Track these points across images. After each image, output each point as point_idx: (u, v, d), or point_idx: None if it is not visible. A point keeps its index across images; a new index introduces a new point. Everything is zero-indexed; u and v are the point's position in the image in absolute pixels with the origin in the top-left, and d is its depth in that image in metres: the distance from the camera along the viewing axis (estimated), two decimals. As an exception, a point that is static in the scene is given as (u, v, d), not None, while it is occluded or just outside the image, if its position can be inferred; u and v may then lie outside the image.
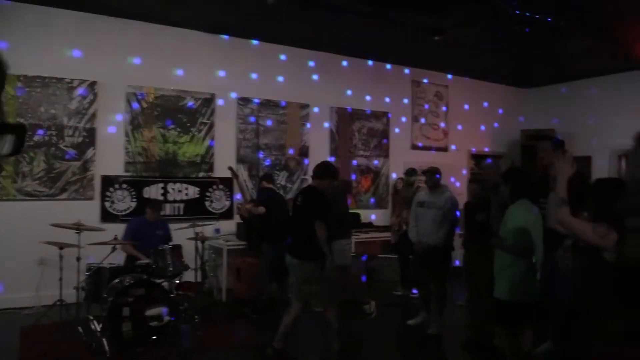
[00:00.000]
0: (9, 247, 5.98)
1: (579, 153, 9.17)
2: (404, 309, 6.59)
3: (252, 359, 4.88)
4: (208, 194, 7.38)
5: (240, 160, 7.59)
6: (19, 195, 6.21)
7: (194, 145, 7.30)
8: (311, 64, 8.29)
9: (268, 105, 7.89)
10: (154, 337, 4.71)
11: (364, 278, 7.35)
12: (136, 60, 6.91)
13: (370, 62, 8.89)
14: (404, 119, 9.37)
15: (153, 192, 6.97)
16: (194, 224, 5.85)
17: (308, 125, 8.25)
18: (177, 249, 5.42)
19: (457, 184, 9.42)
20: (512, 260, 3.97)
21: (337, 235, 6.20)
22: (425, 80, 9.65)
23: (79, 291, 5.08)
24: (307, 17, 6.73)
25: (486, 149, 10.42)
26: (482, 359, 5.00)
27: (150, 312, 4.71)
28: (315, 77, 8.32)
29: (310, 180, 6.55)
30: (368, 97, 8.91)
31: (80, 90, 6.54)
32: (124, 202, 6.78)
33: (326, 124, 8.49)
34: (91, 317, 4.75)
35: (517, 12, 6.12)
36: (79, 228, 5.06)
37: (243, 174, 7.56)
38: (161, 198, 7.00)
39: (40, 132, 6.32)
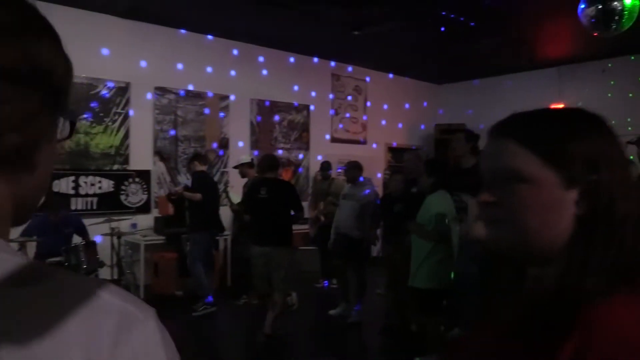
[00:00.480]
0: None
1: (487, 146, 9.70)
2: (325, 299, 6.71)
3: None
4: (123, 187, 7.07)
5: (157, 152, 7.34)
6: None
7: (108, 136, 6.97)
8: (232, 54, 8.15)
9: (187, 95, 7.68)
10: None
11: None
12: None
13: (290, 55, 8.88)
14: (324, 112, 9.46)
15: (63, 185, 6.58)
16: (110, 219, 5.61)
17: (222, 115, 8.12)
18: (92, 245, 5.19)
19: (379, 175, 9.67)
20: (431, 248, 4.15)
21: None
22: (345, 74, 9.79)
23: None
24: (228, 7, 6.61)
25: (403, 143, 10.77)
26: (399, 343, 5.20)
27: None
28: (235, 68, 8.19)
29: (245, 173, 6.52)
30: (288, 90, 8.91)
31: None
32: (30, 196, 6.35)
33: (246, 116, 8.40)
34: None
35: (432, 11, 6.38)
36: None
37: (160, 166, 7.31)
38: (72, 192, 6.62)
39: None
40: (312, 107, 9.26)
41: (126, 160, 7.11)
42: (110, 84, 6.96)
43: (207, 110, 7.87)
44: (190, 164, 6.36)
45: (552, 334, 0.69)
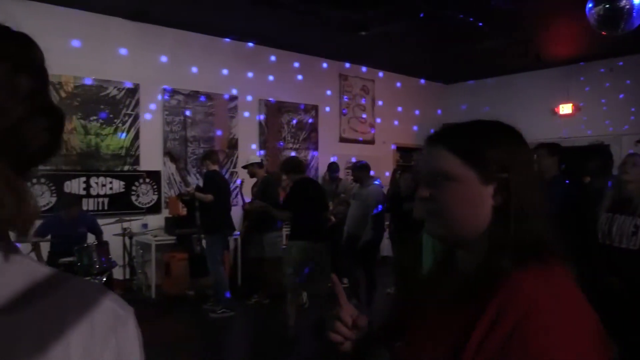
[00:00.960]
0: None
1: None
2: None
3: (183, 354, 4.83)
4: (134, 188, 7.13)
5: (167, 152, 7.39)
6: None
7: (118, 138, 7.02)
8: (240, 55, 8.20)
9: (195, 96, 7.73)
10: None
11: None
12: (52, 47, 6.52)
13: (298, 56, 8.91)
14: (332, 112, 9.49)
15: (75, 186, 6.64)
16: (121, 219, 5.65)
17: (235, 117, 8.16)
18: (104, 245, 5.23)
19: (387, 175, 9.69)
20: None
21: (268, 227, 6.24)
22: (352, 75, 9.82)
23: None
24: (234, 8, 6.65)
25: (412, 143, 10.78)
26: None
27: (77, 311, 4.53)
28: (243, 69, 8.24)
29: (254, 173, 6.58)
30: (297, 90, 8.94)
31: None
32: (43, 197, 6.41)
33: (255, 116, 8.44)
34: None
35: (439, 11, 6.39)
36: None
37: (170, 167, 7.37)
38: (83, 193, 6.68)
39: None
40: (320, 107, 9.29)
41: (136, 161, 7.17)
42: (123, 84, 7.02)
43: (215, 111, 7.91)
44: (202, 163, 6.37)
45: (478, 301, 0.85)
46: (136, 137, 7.16)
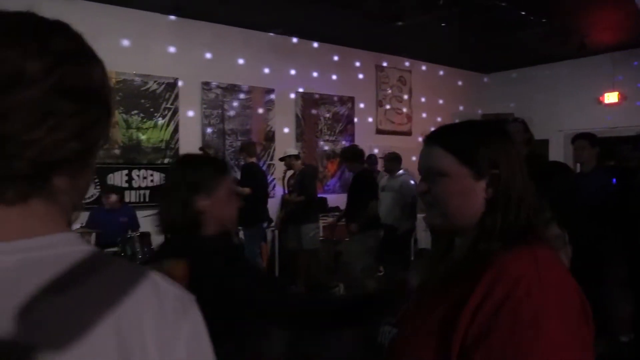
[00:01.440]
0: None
1: (537, 136, 9.46)
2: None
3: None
4: (174, 180, 7.27)
5: (201, 148, 7.48)
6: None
7: (158, 131, 7.18)
8: (278, 48, 8.24)
9: (233, 90, 7.82)
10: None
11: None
12: (95, 44, 6.68)
13: (334, 47, 8.90)
14: (368, 104, 9.45)
15: (117, 179, 6.83)
16: (162, 211, 5.77)
17: (272, 110, 8.22)
18: (146, 236, 5.36)
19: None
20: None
21: (306, 219, 6.28)
22: (389, 66, 9.73)
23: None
24: (272, 0, 6.68)
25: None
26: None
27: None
28: (281, 62, 8.28)
29: (291, 165, 6.62)
30: (333, 82, 8.93)
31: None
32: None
33: (291, 109, 8.48)
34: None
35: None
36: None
37: (209, 159, 7.47)
38: (126, 185, 6.87)
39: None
40: (356, 99, 9.25)
41: (176, 154, 7.31)
42: (162, 79, 7.16)
43: (252, 104, 7.99)
44: (239, 156, 6.42)
45: (468, 280, 0.95)
46: (175, 130, 7.30)
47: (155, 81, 7.13)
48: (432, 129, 1.24)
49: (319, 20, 7.49)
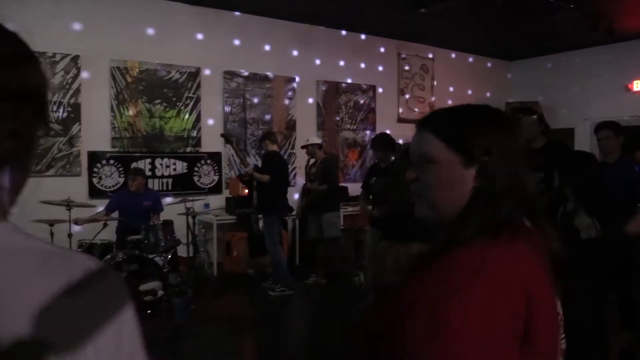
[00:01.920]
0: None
1: (562, 125, 9.33)
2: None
3: (244, 329, 4.99)
4: (196, 169, 7.36)
5: (222, 135, 7.52)
6: (4, 172, 6.11)
7: (181, 120, 7.24)
8: (299, 37, 8.21)
9: (254, 78, 7.84)
10: (149, 312, 4.76)
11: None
12: (119, 34, 6.77)
13: (355, 35, 8.84)
14: (390, 92, 9.38)
15: (141, 167, 6.90)
16: (185, 199, 5.84)
17: (293, 99, 8.22)
18: (169, 224, 5.43)
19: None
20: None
21: (327, 208, 6.28)
22: (411, 53, 9.64)
23: (71, 267, 5.07)
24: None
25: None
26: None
27: (144, 287, 4.76)
28: (302, 50, 8.26)
29: (314, 154, 6.61)
30: (354, 71, 8.88)
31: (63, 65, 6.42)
32: (111, 177, 6.73)
33: (312, 98, 8.47)
34: (85, 293, 4.74)
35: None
36: (69, 205, 5.03)
37: (229, 148, 7.52)
38: (149, 173, 6.96)
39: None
40: (378, 87, 9.19)
41: (198, 143, 7.37)
42: (185, 68, 7.21)
43: (273, 93, 8.00)
44: (261, 144, 6.44)
45: (426, 270, 0.92)
46: (197, 119, 7.35)
47: (177, 70, 7.18)
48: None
49: (340, 8, 7.44)
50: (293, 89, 8.21)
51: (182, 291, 5.32)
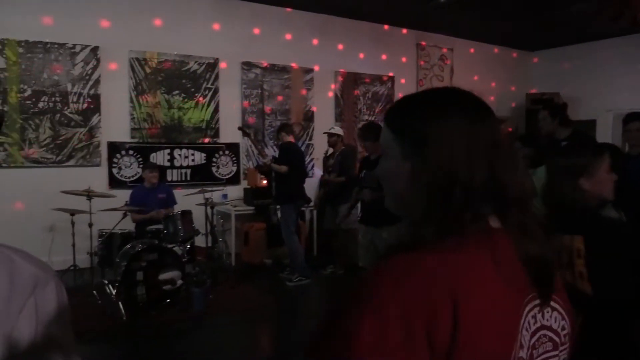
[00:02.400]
0: (18, 214, 6.01)
1: (583, 116, 9.17)
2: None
3: (261, 319, 5.01)
4: (214, 159, 7.39)
5: (245, 126, 7.55)
6: (27, 163, 6.21)
7: (199, 111, 7.26)
8: (317, 27, 8.17)
9: (272, 69, 7.82)
10: (168, 301, 4.81)
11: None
12: (138, 25, 6.80)
13: (374, 25, 8.76)
14: (408, 83, 9.30)
15: (160, 158, 6.97)
16: (203, 190, 5.87)
17: (311, 89, 8.19)
18: (187, 214, 5.46)
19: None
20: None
21: (343, 199, 6.25)
22: (430, 44, 9.54)
23: (92, 257, 5.15)
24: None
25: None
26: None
27: (163, 276, 4.80)
28: (320, 40, 8.22)
29: (335, 143, 6.58)
30: (372, 61, 8.82)
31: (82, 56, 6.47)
32: (131, 168, 6.79)
33: (330, 88, 8.43)
34: (106, 282, 4.81)
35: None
36: (89, 194, 5.08)
37: (248, 140, 7.53)
38: (168, 164, 7.01)
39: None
40: (396, 78, 9.12)
41: (216, 134, 7.40)
42: (203, 59, 7.22)
43: (291, 84, 7.98)
44: (278, 135, 6.44)
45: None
46: (216, 110, 7.37)
47: (195, 61, 7.19)
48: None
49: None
50: (311, 80, 8.19)
51: (201, 281, 5.36)
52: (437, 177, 0.83)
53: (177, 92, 7.08)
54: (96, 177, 6.40)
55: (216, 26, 7.34)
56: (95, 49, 6.51)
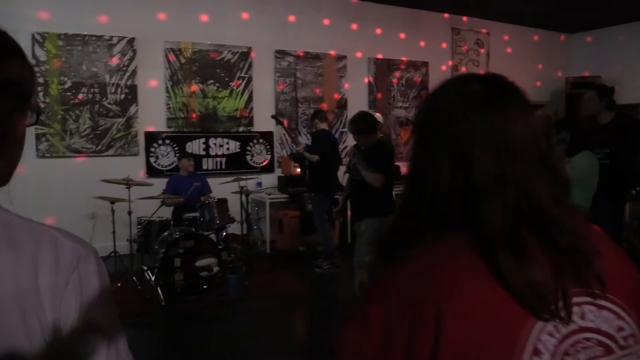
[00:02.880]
0: (60, 202, 6.19)
1: (627, 100, 8.85)
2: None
3: (295, 305, 5.06)
4: (249, 148, 7.45)
5: (279, 114, 7.58)
6: (68, 152, 6.39)
7: (233, 100, 7.33)
8: (350, 13, 8.11)
9: (305, 57, 7.82)
10: (204, 287, 4.90)
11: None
12: (172, 15, 6.88)
13: (407, 10, 8.63)
14: (443, 68, 9.15)
15: (195, 147, 7.07)
16: (238, 178, 5.92)
17: (344, 77, 8.15)
18: (223, 202, 5.54)
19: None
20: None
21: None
22: (465, 28, 9.35)
23: (131, 243, 5.28)
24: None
25: (530, 99, 10.13)
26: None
27: (200, 262, 4.89)
28: (352, 27, 8.16)
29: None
30: (406, 47, 8.71)
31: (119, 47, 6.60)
32: (167, 157, 6.92)
33: (364, 75, 8.37)
34: (145, 268, 4.93)
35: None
36: (128, 183, 5.20)
37: (282, 129, 7.56)
38: (203, 153, 7.12)
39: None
40: (431, 64, 8.98)
41: (250, 122, 7.45)
42: (236, 48, 7.27)
43: (324, 71, 7.96)
44: (311, 122, 6.43)
45: None
46: (250, 99, 7.42)
47: (229, 51, 7.24)
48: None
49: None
50: (344, 67, 8.14)
51: (236, 267, 5.44)
52: (426, 177, 0.80)
53: (211, 81, 7.15)
54: (134, 166, 6.54)
55: (250, 15, 7.36)
56: (131, 41, 6.62)
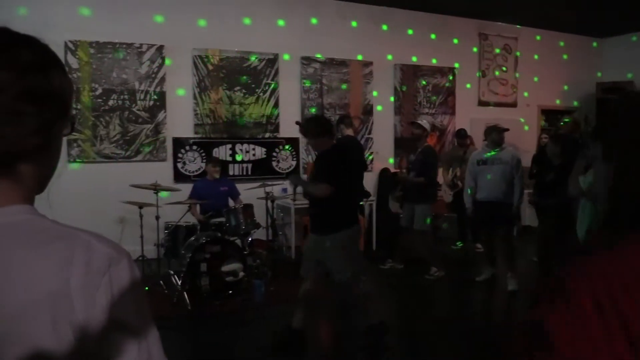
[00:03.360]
0: (90, 207, 6.30)
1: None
2: (464, 265, 6.73)
3: (320, 311, 5.04)
4: (274, 154, 7.50)
5: (297, 122, 7.54)
6: (98, 158, 6.53)
7: (259, 106, 7.38)
8: (376, 19, 8.11)
9: (331, 63, 7.84)
10: (230, 292, 4.93)
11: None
12: (201, 23, 6.99)
13: (435, 16, 8.59)
14: (470, 74, 9.07)
15: (222, 153, 7.14)
16: (264, 184, 5.96)
17: (370, 83, 8.14)
18: (249, 208, 5.58)
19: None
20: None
21: (422, 199, 6.04)
22: (493, 33, 9.26)
23: (159, 248, 5.35)
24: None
25: (558, 105, 9.97)
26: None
27: (226, 267, 4.93)
28: (378, 33, 8.15)
29: (419, 137, 6.11)
30: (433, 52, 8.66)
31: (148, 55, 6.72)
32: (194, 163, 7.00)
33: (390, 81, 8.35)
34: (172, 272, 4.99)
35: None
36: (156, 188, 5.28)
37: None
38: (229, 159, 7.18)
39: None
40: (458, 69, 8.91)
41: (276, 129, 7.50)
42: (263, 55, 7.33)
43: (350, 77, 7.96)
44: (337, 127, 6.39)
45: None
46: (276, 105, 7.47)
47: (256, 57, 7.31)
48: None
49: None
50: (370, 73, 8.14)
51: (262, 273, 5.46)
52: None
53: (238, 88, 7.22)
54: (162, 172, 6.63)
55: (277, 22, 7.43)
56: (160, 48, 6.74)
